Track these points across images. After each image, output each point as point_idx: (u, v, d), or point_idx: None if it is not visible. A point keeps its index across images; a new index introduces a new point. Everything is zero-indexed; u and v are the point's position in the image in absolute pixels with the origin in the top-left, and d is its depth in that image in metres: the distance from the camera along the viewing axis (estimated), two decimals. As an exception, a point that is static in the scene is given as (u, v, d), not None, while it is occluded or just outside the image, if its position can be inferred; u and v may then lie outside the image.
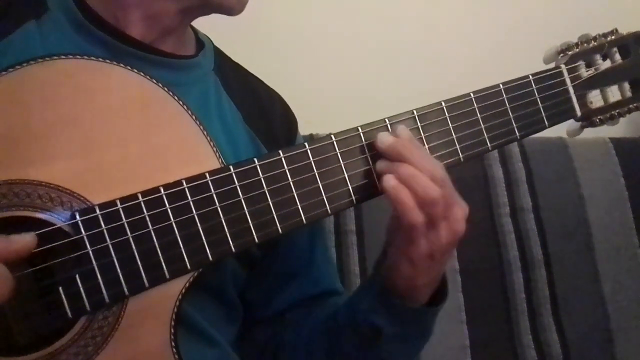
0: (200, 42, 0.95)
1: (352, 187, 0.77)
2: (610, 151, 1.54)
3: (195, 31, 0.96)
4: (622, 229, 1.48)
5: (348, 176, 0.77)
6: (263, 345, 0.96)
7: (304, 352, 0.92)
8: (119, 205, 0.68)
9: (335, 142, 0.77)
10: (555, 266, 1.45)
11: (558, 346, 1.41)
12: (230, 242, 0.72)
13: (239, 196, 0.72)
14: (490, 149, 0.83)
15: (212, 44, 0.97)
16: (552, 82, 0.87)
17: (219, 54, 0.97)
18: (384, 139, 0.77)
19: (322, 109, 1.42)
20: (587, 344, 1.42)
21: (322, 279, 0.99)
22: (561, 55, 0.89)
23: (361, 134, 0.78)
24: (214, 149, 0.75)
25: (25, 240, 0.63)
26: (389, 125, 0.79)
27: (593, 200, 1.49)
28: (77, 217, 0.67)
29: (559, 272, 1.45)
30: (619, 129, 1.57)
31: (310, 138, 1.25)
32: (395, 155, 0.76)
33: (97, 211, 0.67)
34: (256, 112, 0.94)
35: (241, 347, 0.96)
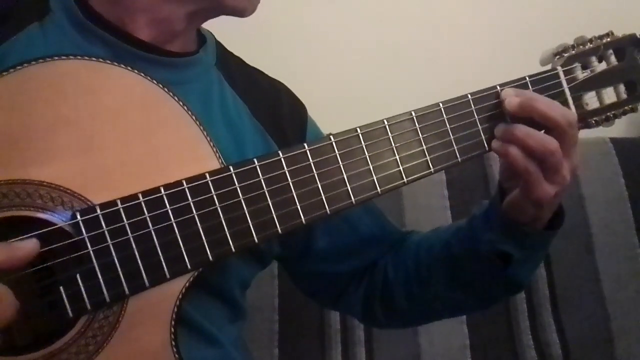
0: (202, 36, 0.94)
1: (351, 188, 0.77)
2: (610, 151, 1.54)
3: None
4: (622, 229, 1.49)
5: (347, 177, 0.77)
6: (368, 294, 1.02)
7: (416, 284, 0.97)
8: (120, 205, 0.68)
9: (334, 143, 0.77)
10: (555, 266, 1.45)
11: (558, 346, 1.41)
12: (231, 243, 0.72)
13: (239, 196, 0.73)
14: (487, 150, 0.83)
15: (214, 38, 0.96)
16: (549, 83, 0.87)
17: (221, 48, 0.96)
18: (512, 101, 0.82)
19: (323, 109, 1.41)
20: (587, 344, 1.42)
21: (395, 230, 1.06)
22: (557, 57, 0.90)
23: (360, 135, 0.78)
24: (214, 149, 0.75)
25: (28, 248, 0.63)
26: (387, 127, 0.79)
27: (593, 200, 1.50)
28: (78, 217, 0.67)
29: (559, 272, 1.45)
30: (619, 129, 1.58)
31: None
32: (525, 112, 0.81)
33: (98, 211, 0.67)
34: (263, 104, 0.94)
35: (343, 308, 1.08)
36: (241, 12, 0.86)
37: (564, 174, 0.81)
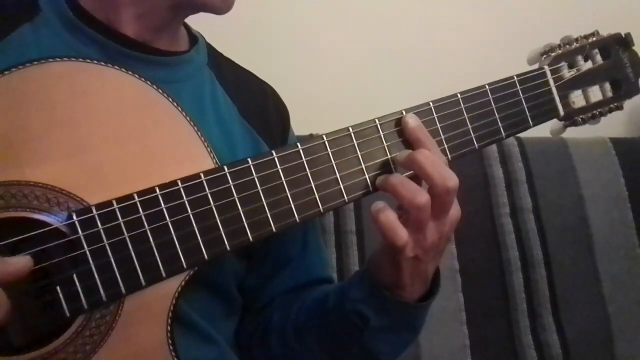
0: (194, 37, 0.95)
1: (343, 186, 0.78)
2: (610, 151, 1.54)
3: (187, 28, 0.96)
4: (622, 229, 1.49)
5: (340, 176, 0.78)
6: (252, 331, 0.96)
7: (293, 333, 0.92)
8: (115, 206, 0.68)
9: (326, 142, 0.78)
10: (555, 266, 1.45)
11: (558, 346, 1.41)
12: (225, 242, 0.72)
13: (234, 196, 0.73)
14: (477, 148, 0.84)
15: (204, 39, 0.97)
16: (536, 82, 0.89)
17: (212, 50, 0.97)
18: (411, 120, 0.79)
19: (321, 109, 1.42)
20: (587, 344, 1.42)
21: (315, 267, 1.00)
22: (544, 56, 0.91)
23: (352, 134, 0.79)
24: (208, 149, 0.75)
25: (20, 264, 0.63)
26: (378, 126, 0.80)
27: (593, 200, 1.49)
28: (74, 217, 0.67)
29: (559, 272, 1.45)
30: (619, 129, 1.58)
31: (310, 137, 1.26)
32: (415, 140, 0.78)
33: (94, 211, 0.68)
34: (251, 105, 0.95)
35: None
36: (214, 10, 0.86)
37: (427, 236, 0.76)
